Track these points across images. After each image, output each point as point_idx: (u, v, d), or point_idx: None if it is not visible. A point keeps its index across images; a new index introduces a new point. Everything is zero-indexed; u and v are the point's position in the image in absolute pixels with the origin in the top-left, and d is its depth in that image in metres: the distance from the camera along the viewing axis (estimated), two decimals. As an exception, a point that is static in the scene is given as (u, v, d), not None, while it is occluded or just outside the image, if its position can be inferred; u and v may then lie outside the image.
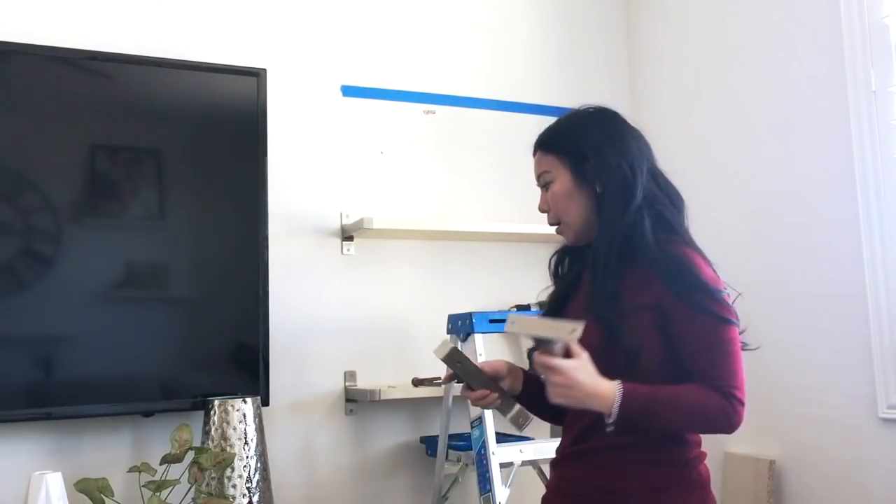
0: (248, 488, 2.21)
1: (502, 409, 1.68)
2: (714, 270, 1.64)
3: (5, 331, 2.23)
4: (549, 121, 3.43)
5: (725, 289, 1.61)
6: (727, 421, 1.56)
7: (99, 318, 2.32)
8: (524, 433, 1.88)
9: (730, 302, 1.60)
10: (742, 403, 1.55)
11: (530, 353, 1.65)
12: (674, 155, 3.13)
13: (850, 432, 2.41)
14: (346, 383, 2.71)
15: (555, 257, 1.80)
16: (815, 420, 2.51)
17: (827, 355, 2.49)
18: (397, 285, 2.84)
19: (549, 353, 1.47)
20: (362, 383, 2.71)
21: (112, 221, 2.40)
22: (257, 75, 2.58)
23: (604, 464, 1.60)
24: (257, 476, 2.24)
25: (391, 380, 2.75)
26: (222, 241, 2.51)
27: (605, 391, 1.48)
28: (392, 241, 2.84)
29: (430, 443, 2.69)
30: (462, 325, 2.49)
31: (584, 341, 1.48)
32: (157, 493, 2.04)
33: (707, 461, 1.70)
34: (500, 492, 2.29)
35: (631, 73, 3.35)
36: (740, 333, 1.60)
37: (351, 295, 2.76)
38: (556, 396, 1.47)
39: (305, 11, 2.83)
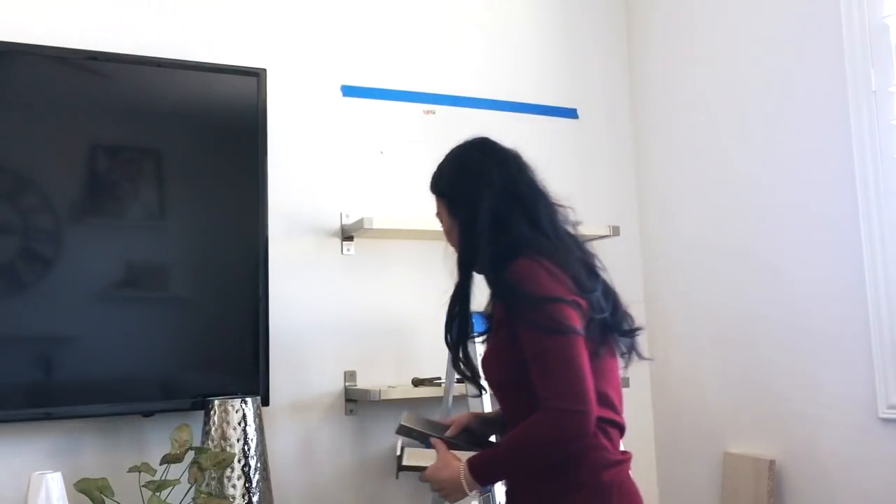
0: (247, 488, 2.21)
1: None
2: (566, 276, 1.66)
3: (5, 331, 2.22)
4: (550, 121, 3.45)
5: (566, 297, 1.63)
6: (558, 435, 1.58)
7: (99, 318, 2.32)
8: None
9: (566, 310, 1.62)
10: (567, 410, 1.57)
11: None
12: (673, 154, 3.15)
13: (850, 432, 2.41)
14: (346, 383, 2.71)
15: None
16: (815, 420, 2.52)
17: (827, 355, 2.49)
18: (397, 285, 2.83)
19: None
20: (362, 383, 2.71)
21: (112, 221, 2.40)
22: (257, 75, 2.58)
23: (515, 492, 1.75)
24: (257, 476, 2.24)
25: (391, 380, 2.75)
26: (222, 241, 2.51)
27: (457, 476, 1.67)
28: (392, 241, 2.84)
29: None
30: (462, 325, 2.48)
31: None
32: (157, 493, 2.04)
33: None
34: (500, 492, 2.29)
35: (631, 73, 3.35)
36: (593, 340, 1.65)
37: (351, 295, 2.76)
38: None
39: (305, 11, 2.83)
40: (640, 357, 1.82)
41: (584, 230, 2.97)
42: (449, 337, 1.84)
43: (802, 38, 2.60)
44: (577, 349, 1.58)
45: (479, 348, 2.42)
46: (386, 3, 2.96)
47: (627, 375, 2.92)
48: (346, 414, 2.70)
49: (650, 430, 3.18)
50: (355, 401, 2.70)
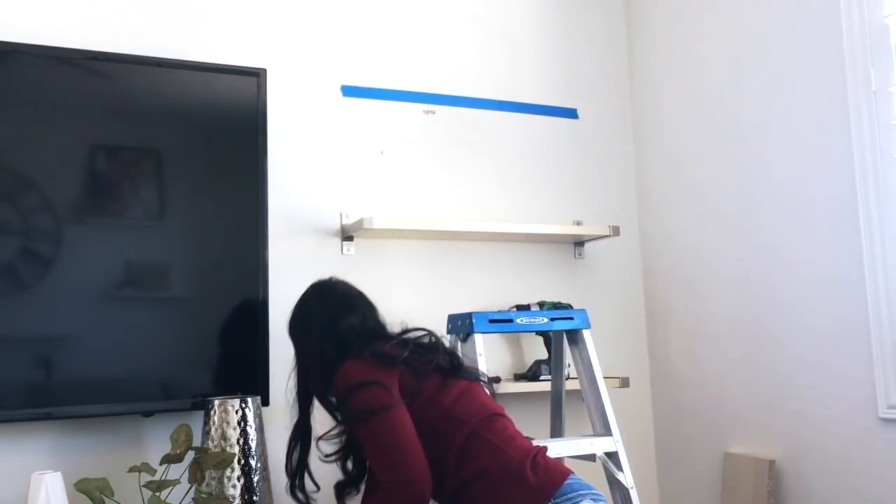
0: (247, 488, 2.21)
1: None
2: (370, 360, 1.91)
3: (5, 331, 2.23)
4: (549, 120, 3.44)
5: (374, 378, 1.86)
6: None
7: (99, 318, 2.32)
8: None
9: (374, 391, 1.85)
10: (394, 482, 1.78)
11: None
12: (673, 154, 3.15)
13: (850, 432, 2.41)
14: (346, 383, 2.71)
15: None
16: (815, 420, 2.52)
17: (827, 355, 2.49)
18: (397, 285, 2.83)
19: None
20: (362, 383, 2.70)
21: (112, 221, 2.40)
22: (257, 75, 2.58)
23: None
24: (257, 476, 2.24)
25: (391, 380, 2.75)
26: (222, 241, 2.51)
27: None
28: (392, 241, 2.84)
29: None
30: (462, 325, 2.49)
31: None
32: (157, 493, 2.04)
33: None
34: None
35: (631, 74, 3.35)
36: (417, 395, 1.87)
37: (351, 295, 2.75)
38: None
39: (305, 11, 2.83)
40: (485, 380, 2.07)
41: (584, 230, 3.00)
42: (288, 467, 2.09)
43: (802, 38, 2.60)
44: (393, 422, 1.80)
45: (479, 344, 2.44)
46: (386, 3, 2.96)
47: (627, 375, 2.94)
48: (346, 414, 2.70)
49: (650, 429, 3.18)
50: (355, 401, 2.69)
